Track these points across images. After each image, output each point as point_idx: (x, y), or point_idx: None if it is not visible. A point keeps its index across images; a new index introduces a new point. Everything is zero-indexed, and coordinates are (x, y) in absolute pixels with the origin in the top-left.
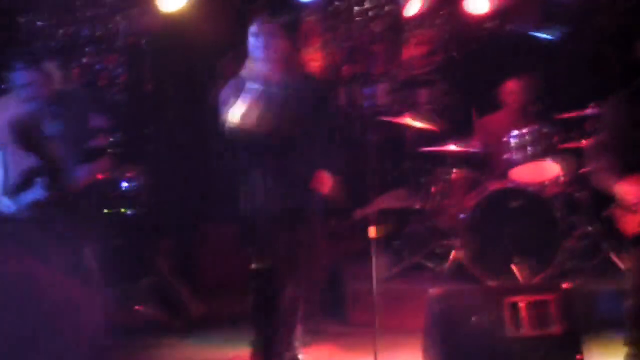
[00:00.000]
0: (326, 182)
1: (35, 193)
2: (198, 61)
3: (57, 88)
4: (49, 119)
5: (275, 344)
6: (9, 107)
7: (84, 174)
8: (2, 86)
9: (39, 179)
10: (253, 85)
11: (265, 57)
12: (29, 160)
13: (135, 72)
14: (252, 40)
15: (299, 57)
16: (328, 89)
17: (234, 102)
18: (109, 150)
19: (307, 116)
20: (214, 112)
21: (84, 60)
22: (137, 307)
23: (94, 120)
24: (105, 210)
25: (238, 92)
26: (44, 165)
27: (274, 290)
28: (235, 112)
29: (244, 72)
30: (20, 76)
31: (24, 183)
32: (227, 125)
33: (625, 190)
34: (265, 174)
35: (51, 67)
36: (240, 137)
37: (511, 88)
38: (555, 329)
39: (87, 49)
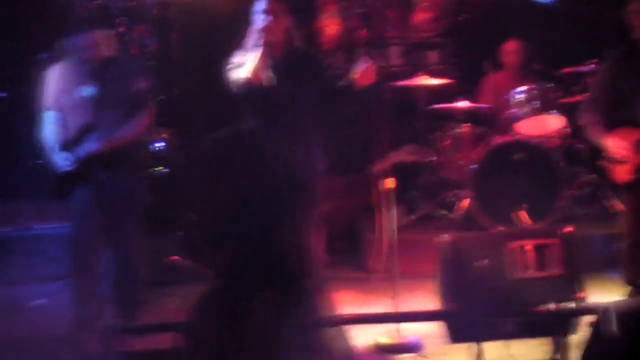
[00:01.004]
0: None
1: (90, 145)
2: (221, 31)
3: (108, 54)
4: (98, 81)
5: None
6: (64, 73)
7: (128, 131)
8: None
9: (92, 134)
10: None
11: (265, 33)
12: (83, 120)
13: (163, 41)
14: (256, 16)
15: (298, 31)
16: (324, 62)
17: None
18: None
19: (298, 91)
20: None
21: (117, 30)
22: (172, 258)
23: (138, 83)
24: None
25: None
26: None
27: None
28: (242, 69)
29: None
30: (80, 38)
31: (80, 137)
32: (229, 79)
33: (613, 144)
34: (265, 136)
35: (106, 34)
36: (248, 91)
37: (511, 48)
38: (557, 270)
39: (119, 20)
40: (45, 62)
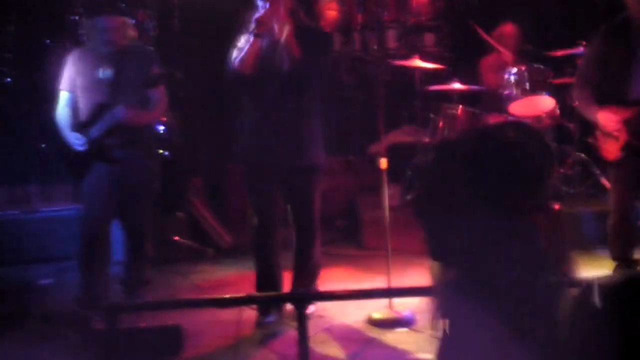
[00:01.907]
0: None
1: (104, 123)
2: (222, 15)
3: (127, 42)
4: (115, 65)
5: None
6: (82, 56)
7: (145, 114)
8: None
9: (106, 112)
10: (254, 35)
11: (268, 16)
12: (98, 101)
13: (165, 25)
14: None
15: (300, 13)
16: (326, 41)
17: (238, 48)
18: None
19: (301, 72)
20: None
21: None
22: (174, 238)
23: (154, 70)
24: None
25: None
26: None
27: (262, 236)
28: (235, 56)
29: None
30: (105, 20)
31: (93, 117)
32: (228, 68)
33: (605, 118)
34: (257, 121)
35: (129, 21)
36: (237, 80)
37: (506, 31)
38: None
39: (121, 4)
40: (50, 47)
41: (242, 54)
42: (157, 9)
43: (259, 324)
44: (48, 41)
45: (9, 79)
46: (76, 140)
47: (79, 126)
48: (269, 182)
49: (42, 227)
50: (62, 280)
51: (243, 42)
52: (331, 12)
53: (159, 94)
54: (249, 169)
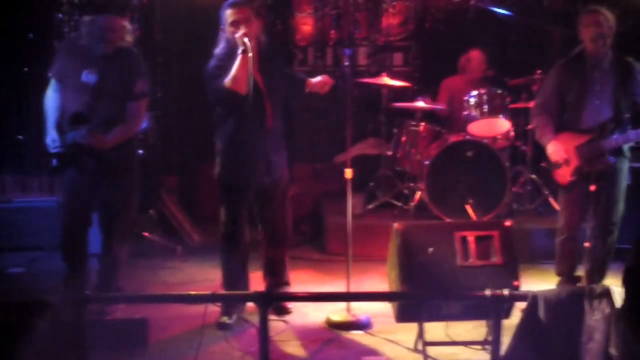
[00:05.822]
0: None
1: (79, 136)
2: (202, 21)
3: (121, 45)
4: (102, 70)
5: (237, 278)
6: (71, 50)
7: (117, 134)
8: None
9: (85, 124)
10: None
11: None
12: (80, 105)
13: (147, 28)
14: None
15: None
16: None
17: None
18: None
19: (276, 83)
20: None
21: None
22: (145, 234)
23: (139, 84)
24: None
25: (229, 57)
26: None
27: (233, 244)
28: (217, 75)
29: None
30: (106, 19)
31: (72, 123)
32: (216, 87)
33: (553, 150)
34: (236, 140)
35: (129, 26)
36: (229, 99)
37: (474, 56)
38: (497, 259)
39: (105, 7)
40: (33, 42)
41: (233, 72)
42: (140, 16)
43: (220, 325)
44: (31, 35)
45: None
46: (52, 143)
47: (59, 126)
48: (243, 197)
49: (15, 216)
50: (33, 269)
51: (225, 62)
52: (306, 27)
53: (137, 109)
54: (227, 185)
